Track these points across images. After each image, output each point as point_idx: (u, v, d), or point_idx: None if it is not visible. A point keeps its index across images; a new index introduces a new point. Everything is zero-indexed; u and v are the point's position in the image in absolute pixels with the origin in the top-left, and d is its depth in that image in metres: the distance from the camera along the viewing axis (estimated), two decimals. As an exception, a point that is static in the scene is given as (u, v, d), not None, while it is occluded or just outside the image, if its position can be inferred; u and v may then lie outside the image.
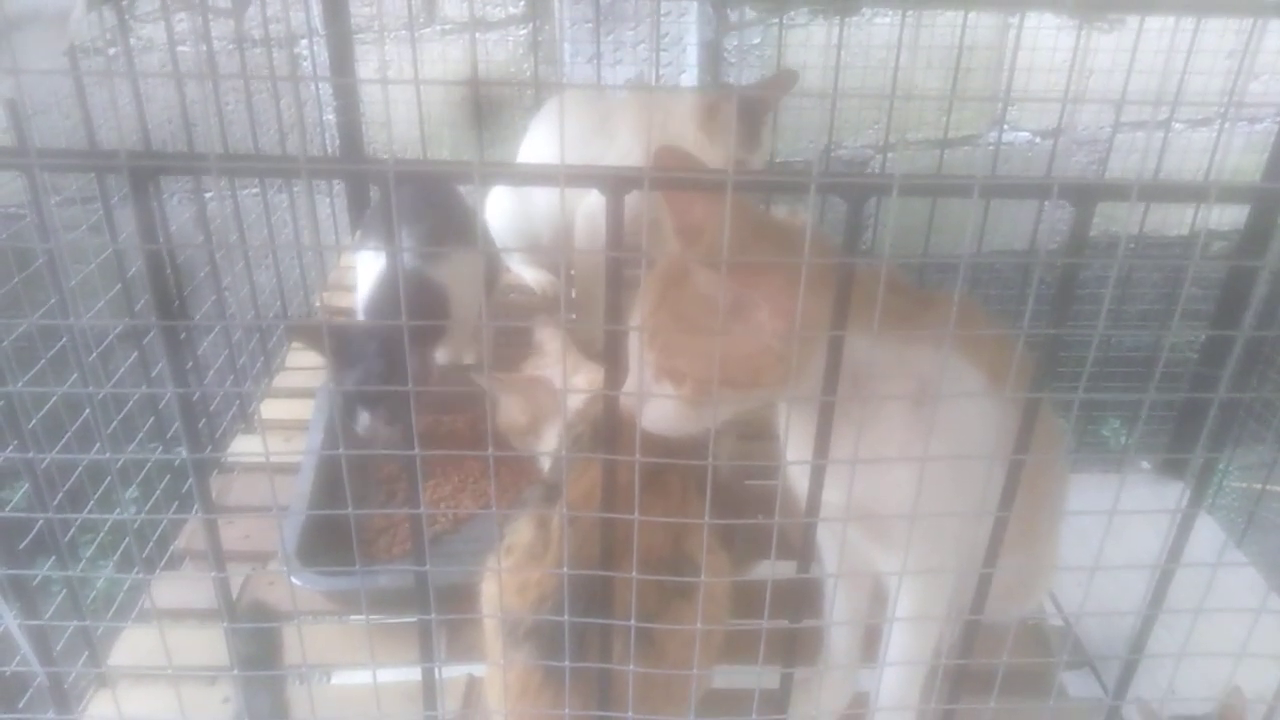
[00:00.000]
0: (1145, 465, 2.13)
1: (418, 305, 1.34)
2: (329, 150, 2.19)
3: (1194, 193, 0.68)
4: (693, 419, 0.78)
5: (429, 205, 1.50)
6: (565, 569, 0.80)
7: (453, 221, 1.52)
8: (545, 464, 1.26)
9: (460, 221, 1.54)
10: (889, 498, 0.81)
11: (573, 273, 2.07)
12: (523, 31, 2.55)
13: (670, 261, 0.77)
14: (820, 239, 0.68)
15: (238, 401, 1.68)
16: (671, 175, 0.64)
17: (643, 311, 0.78)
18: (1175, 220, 2.77)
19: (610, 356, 0.69)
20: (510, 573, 0.91)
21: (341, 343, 1.32)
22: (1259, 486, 1.98)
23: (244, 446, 1.58)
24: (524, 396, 1.26)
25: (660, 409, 0.77)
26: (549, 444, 1.26)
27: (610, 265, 0.65)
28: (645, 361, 0.77)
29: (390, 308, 1.38)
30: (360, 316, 1.48)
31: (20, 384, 1.00)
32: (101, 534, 1.55)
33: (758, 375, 0.73)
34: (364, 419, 1.34)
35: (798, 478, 0.81)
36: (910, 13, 1.96)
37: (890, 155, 2.53)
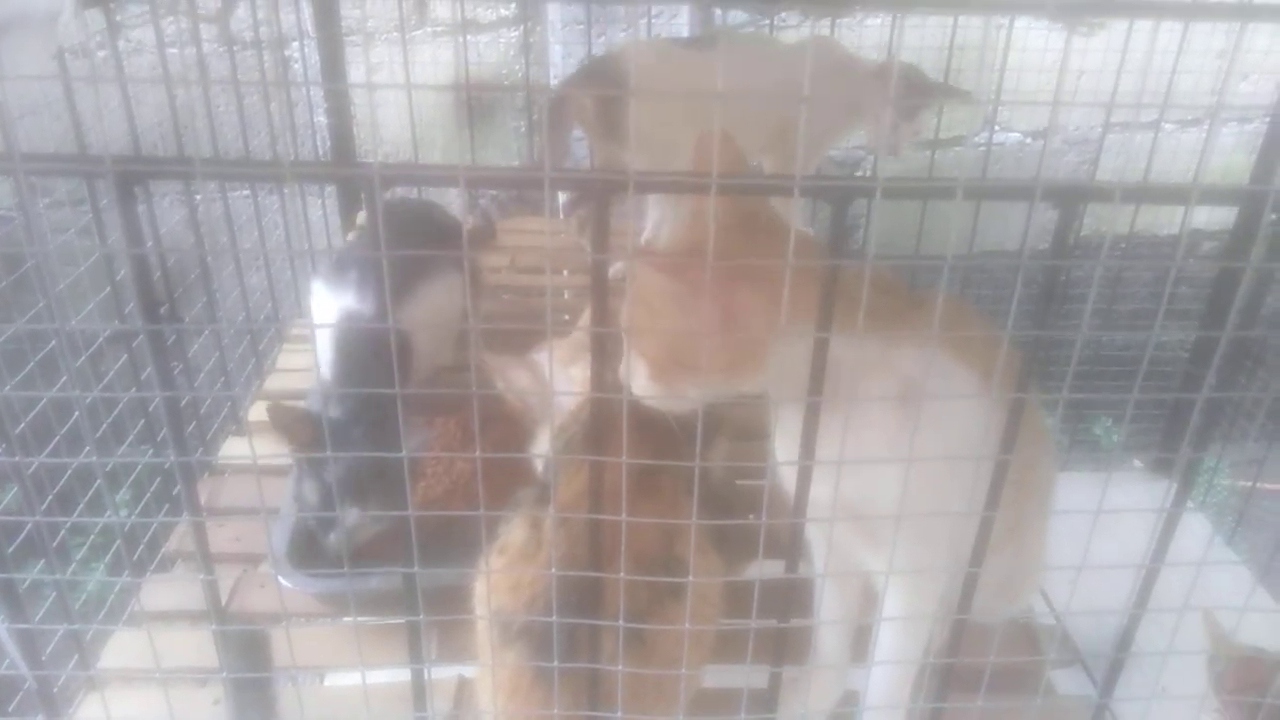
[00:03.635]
0: (1137, 464, 2.13)
1: (381, 361, 1.24)
2: (320, 152, 2.19)
3: (1177, 195, 0.68)
4: (663, 397, 0.82)
5: (395, 242, 1.43)
6: (554, 570, 0.80)
7: (420, 260, 1.40)
8: (539, 465, 1.26)
9: (430, 258, 1.43)
10: (876, 496, 0.81)
11: (566, 273, 2.07)
12: (514, 33, 2.56)
13: (664, 244, 0.81)
14: (802, 240, 0.69)
15: (229, 404, 1.68)
16: (655, 177, 0.64)
17: (626, 298, 0.81)
18: (1166, 220, 2.78)
19: (597, 357, 0.69)
20: (503, 572, 0.91)
21: (317, 433, 1.19)
22: (1249, 484, 1.99)
23: (235, 449, 1.57)
24: (510, 379, 1.26)
25: (639, 387, 0.83)
26: (542, 439, 1.26)
27: (597, 267, 0.65)
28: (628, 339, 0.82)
29: (358, 371, 1.28)
30: (323, 373, 1.34)
31: (8, 388, 1.00)
32: (92, 536, 1.54)
33: (709, 360, 0.78)
34: (353, 515, 1.18)
35: (787, 476, 0.81)
36: (899, 14, 1.97)
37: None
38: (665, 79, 1.64)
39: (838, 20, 2.05)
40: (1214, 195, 0.70)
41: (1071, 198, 0.66)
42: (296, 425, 1.19)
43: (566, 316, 1.84)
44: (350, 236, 2.13)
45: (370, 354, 1.27)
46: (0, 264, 1.35)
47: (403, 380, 1.31)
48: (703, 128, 0.75)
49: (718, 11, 2.25)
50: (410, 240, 1.43)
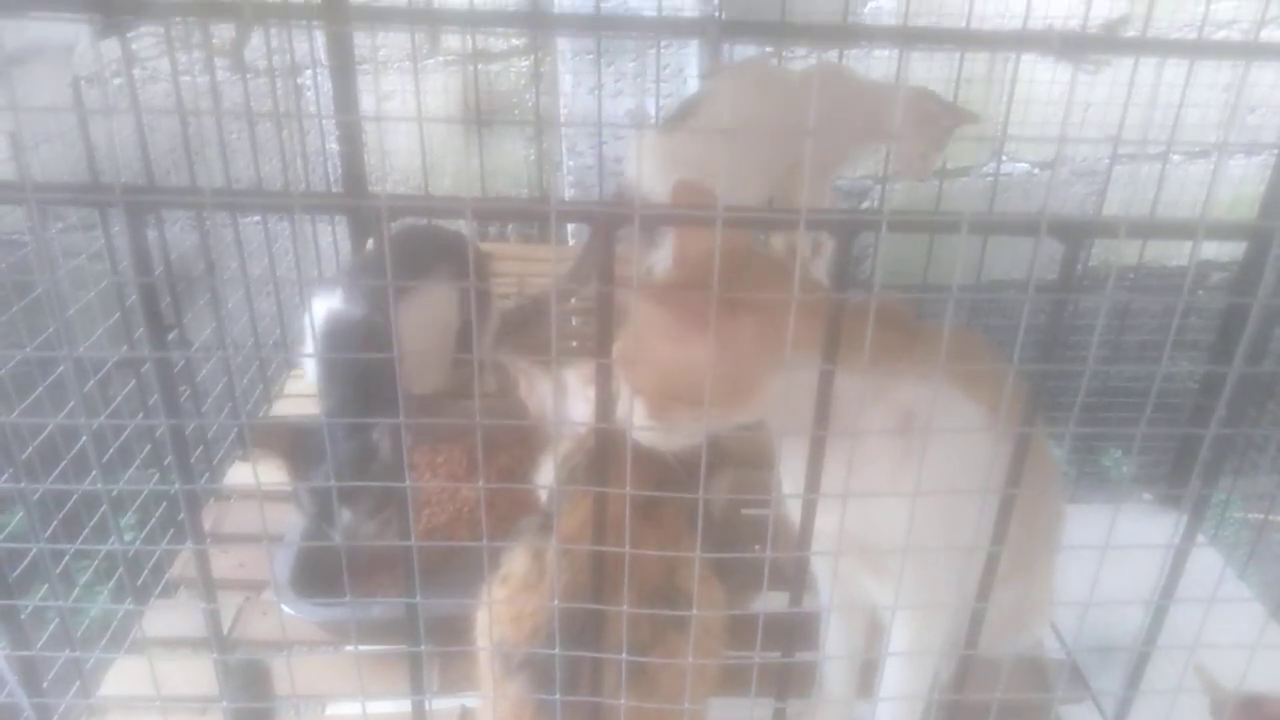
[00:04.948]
0: (1146, 496, 2.11)
1: (363, 354, 1.23)
2: (331, 180, 2.20)
3: (1183, 229, 0.68)
4: (663, 434, 0.82)
5: (401, 244, 1.49)
6: (556, 601, 0.80)
7: (410, 272, 1.46)
8: (543, 494, 1.25)
9: (423, 271, 1.48)
10: (881, 529, 0.81)
11: (574, 301, 2.07)
12: (524, 63, 2.58)
13: (657, 283, 0.80)
14: (803, 274, 0.69)
15: (236, 429, 1.68)
16: (661, 212, 0.65)
17: (624, 336, 0.81)
18: (1175, 250, 2.78)
19: (600, 388, 0.69)
20: (505, 603, 0.91)
21: (303, 438, 1.21)
22: (1261, 517, 1.97)
23: (241, 475, 1.57)
24: (535, 386, 1.26)
25: (638, 423, 0.83)
26: (546, 469, 1.25)
27: (601, 298, 0.65)
28: (625, 382, 0.82)
29: (341, 371, 1.30)
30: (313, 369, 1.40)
31: (14, 414, 1.00)
32: (96, 562, 1.54)
33: (702, 393, 0.78)
34: (345, 518, 1.20)
35: (792, 507, 0.81)
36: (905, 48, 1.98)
37: (889, 187, 2.54)
38: (678, 167, 1.65)
39: (845, 52, 2.06)
40: (1221, 231, 0.70)
41: (1077, 232, 0.66)
42: (275, 437, 1.22)
43: (574, 343, 1.84)
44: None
45: (353, 355, 1.31)
46: (12, 290, 1.36)
47: (388, 384, 1.34)
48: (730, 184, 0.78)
49: (725, 45, 2.27)
50: (407, 255, 1.49)
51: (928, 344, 0.83)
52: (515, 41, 2.57)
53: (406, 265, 1.48)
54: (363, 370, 1.28)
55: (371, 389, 1.27)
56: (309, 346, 1.47)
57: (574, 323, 1.97)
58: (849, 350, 0.70)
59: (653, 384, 0.80)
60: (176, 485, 0.73)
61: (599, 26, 1.94)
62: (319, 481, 1.19)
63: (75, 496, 1.30)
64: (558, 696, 0.81)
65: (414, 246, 1.55)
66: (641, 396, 0.81)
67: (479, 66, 2.54)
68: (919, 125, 1.78)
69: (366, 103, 2.38)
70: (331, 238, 2.12)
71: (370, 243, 1.97)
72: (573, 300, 2.07)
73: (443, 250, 1.57)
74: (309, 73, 2.41)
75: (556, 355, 0.73)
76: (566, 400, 1.21)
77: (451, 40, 2.54)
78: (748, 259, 0.80)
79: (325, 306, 1.41)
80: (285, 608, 1.14)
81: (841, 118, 1.72)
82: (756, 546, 1.26)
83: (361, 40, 2.25)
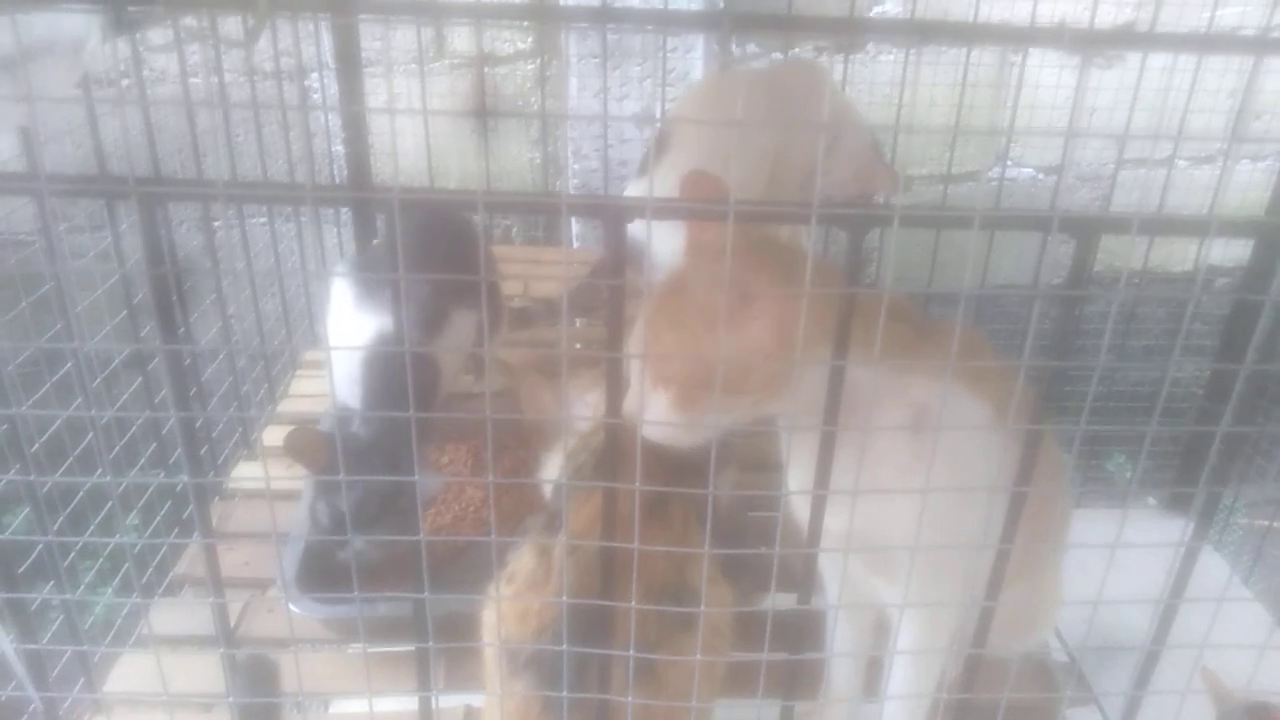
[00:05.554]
0: (1151, 501, 2.11)
1: (410, 389, 1.23)
2: (337, 181, 2.20)
3: (1195, 226, 0.68)
4: (683, 428, 0.79)
5: (427, 262, 1.30)
6: (564, 598, 0.80)
7: (453, 283, 1.34)
8: (549, 492, 1.25)
9: (459, 278, 1.34)
10: (888, 527, 0.80)
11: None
12: (530, 66, 2.59)
13: (671, 273, 0.79)
14: (819, 261, 0.69)
15: (241, 427, 1.68)
16: (674, 204, 0.65)
17: (641, 321, 0.80)
18: (1180, 256, 2.78)
19: (611, 383, 0.69)
20: (511, 601, 0.91)
21: (334, 455, 1.18)
22: (1266, 523, 1.97)
23: (246, 472, 1.57)
24: (534, 395, 1.25)
25: (657, 418, 0.79)
26: (551, 466, 1.25)
27: (613, 293, 0.65)
28: (644, 370, 0.79)
29: (390, 399, 1.25)
30: (347, 395, 1.30)
31: (25, 407, 1.00)
32: (101, 558, 1.54)
33: (744, 380, 0.75)
34: (357, 544, 1.18)
35: (799, 506, 0.81)
36: (913, 49, 1.98)
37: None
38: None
39: (851, 56, 2.07)
40: (1232, 227, 0.70)
41: (1088, 229, 0.66)
42: (313, 448, 1.19)
43: (579, 345, 1.84)
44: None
45: (402, 382, 1.27)
46: (19, 285, 1.36)
47: (429, 408, 1.30)
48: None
49: (734, 47, 2.27)
50: (440, 258, 1.33)
51: (936, 341, 0.83)
52: (521, 45, 2.58)
53: (449, 281, 1.33)
54: (408, 401, 1.23)
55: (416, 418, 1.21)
56: (327, 340, 1.41)
57: (577, 324, 1.97)
58: (866, 342, 0.69)
59: (684, 373, 0.77)
60: (186, 479, 0.73)
61: (606, 20, 1.93)
62: (341, 501, 1.17)
63: (82, 492, 1.31)
64: (564, 694, 0.81)
65: (446, 251, 1.38)
66: (670, 388, 0.77)
67: (485, 69, 2.55)
68: (853, 173, 1.77)
69: (373, 103, 2.39)
70: (337, 238, 2.13)
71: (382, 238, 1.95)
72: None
73: (474, 249, 1.46)
74: (315, 75, 2.42)
75: (566, 360, 0.72)
76: (568, 409, 1.21)
77: (458, 43, 2.55)
78: (763, 241, 0.80)
79: (374, 327, 1.32)
80: (291, 605, 1.14)
81: (807, 116, 1.70)
82: (764, 548, 1.26)
83: (368, 43, 2.25)
